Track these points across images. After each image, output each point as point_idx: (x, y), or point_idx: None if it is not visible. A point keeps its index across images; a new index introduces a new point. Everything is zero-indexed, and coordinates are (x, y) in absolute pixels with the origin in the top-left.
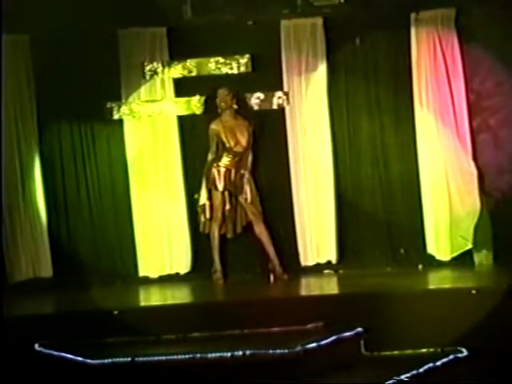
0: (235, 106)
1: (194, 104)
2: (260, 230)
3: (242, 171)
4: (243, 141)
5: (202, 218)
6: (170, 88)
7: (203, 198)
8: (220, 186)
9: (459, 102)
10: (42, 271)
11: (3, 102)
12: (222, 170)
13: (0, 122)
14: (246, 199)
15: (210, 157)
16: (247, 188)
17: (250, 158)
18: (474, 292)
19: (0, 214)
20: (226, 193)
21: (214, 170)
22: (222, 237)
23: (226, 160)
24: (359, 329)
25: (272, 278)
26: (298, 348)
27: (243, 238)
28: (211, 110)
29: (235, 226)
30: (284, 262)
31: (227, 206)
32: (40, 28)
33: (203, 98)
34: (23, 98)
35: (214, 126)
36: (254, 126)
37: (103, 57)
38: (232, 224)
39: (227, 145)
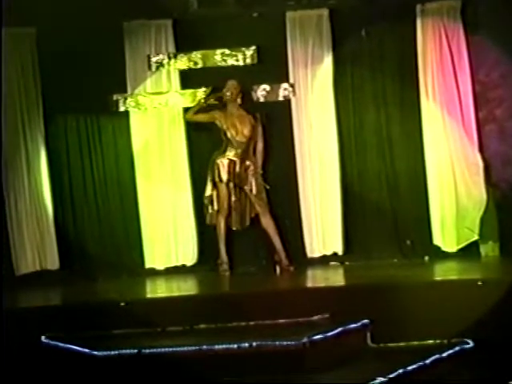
0: (239, 101)
1: (200, 96)
2: (266, 222)
3: (247, 163)
4: (245, 131)
5: (210, 210)
6: (175, 80)
7: (209, 190)
8: (224, 177)
9: (465, 94)
10: (49, 263)
11: (3, 96)
12: (226, 161)
13: (0, 119)
14: (250, 190)
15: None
16: (252, 179)
17: (259, 150)
18: (480, 283)
19: (0, 209)
20: (231, 184)
21: (218, 162)
22: (229, 229)
23: (229, 151)
24: (365, 320)
25: (278, 269)
26: (304, 340)
27: (249, 231)
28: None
29: (243, 219)
30: (290, 254)
31: (233, 198)
32: (46, 21)
33: (209, 90)
34: (29, 90)
35: (217, 113)
36: (260, 119)
37: (109, 49)
38: (239, 216)
39: (228, 134)
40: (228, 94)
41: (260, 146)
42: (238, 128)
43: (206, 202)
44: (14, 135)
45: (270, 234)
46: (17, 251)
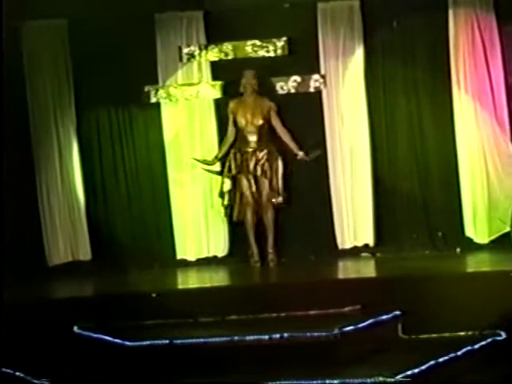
0: (256, 88)
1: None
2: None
3: (260, 153)
4: (255, 120)
5: (236, 208)
6: (206, 71)
7: (227, 185)
8: (234, 170)
9: (497, 84)
10: (81, 254)
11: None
12: (238, 154)
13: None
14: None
15: (226, 139)
16: (266, 169)
17: (286, 138)
18: None
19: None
20: (249, 176)
21: (231, 155)
22: (259, 220)
23: (240, 143)
24: (397, 312)
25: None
26: (336, 331)
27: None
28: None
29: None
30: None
31: (253, 189)
32: (77, 13)
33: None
34: (61, 82)
35: (231, 104)
36: (274, 108)
37: (140, 41)
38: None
39: (239, 124)
40: (248, 86)
41: (283, 132)
42: (247, 118)
43: (225, 201)
44: (46, 127)
45: (270, 224)
46: (49, 242)
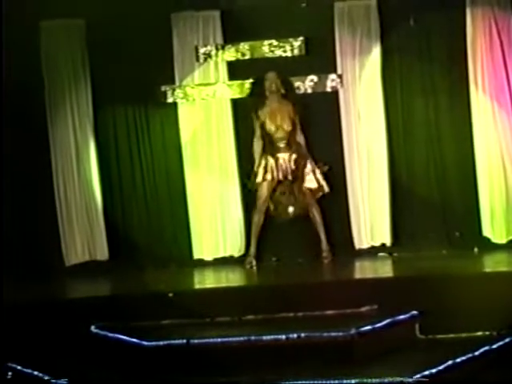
0: (283, 91)
1: (248, 87)
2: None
3: (293, 156)
4: (285, 125)
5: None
6: (223, 71)
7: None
8: (261, 178)
9: None
10: (98, 254)
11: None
12: (271, 159)
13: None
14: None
15: (255, 142)
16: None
17: (301, 142)
18: None
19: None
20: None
21: (263, 163)
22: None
23: (270, 149)
24: (414, 312)
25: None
26: (353, 331)
27: (296, 221)
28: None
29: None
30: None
31: (277, 193)
32: (95, 12)
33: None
34: (78, 81)
35: (260, 113)
36: (297, 110)
37: (157, 40)
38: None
39: (268, 131)
40: (273, 87)
41: (301, 139)
42: (277, 123)
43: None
44: (63, 126)
45: (317, 221)
46: (67, 242)
